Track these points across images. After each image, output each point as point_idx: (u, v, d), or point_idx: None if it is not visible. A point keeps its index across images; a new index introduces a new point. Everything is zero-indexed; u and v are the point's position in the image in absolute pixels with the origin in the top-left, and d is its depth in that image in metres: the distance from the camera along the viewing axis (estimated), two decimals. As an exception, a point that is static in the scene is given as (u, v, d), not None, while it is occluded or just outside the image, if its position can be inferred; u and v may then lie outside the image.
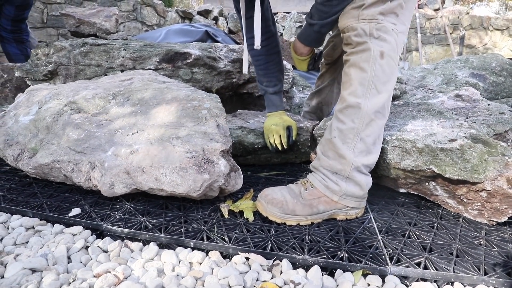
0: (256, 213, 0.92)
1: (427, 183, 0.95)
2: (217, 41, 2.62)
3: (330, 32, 1.22)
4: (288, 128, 1.23)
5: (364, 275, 0.71)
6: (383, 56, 0.85)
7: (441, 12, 5.04)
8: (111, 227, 0.85)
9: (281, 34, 5.25)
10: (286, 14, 5.23)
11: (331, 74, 1.42)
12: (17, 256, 0.76)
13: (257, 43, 1.01)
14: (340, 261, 0.73)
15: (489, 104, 1.16)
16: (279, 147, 1.22)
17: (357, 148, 0.86)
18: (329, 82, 1.42)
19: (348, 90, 0.88)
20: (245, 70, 1.14)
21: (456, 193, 0.90)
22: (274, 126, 1.23)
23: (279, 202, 0.86)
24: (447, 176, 0.85)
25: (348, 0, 0.90)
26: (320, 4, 0.95)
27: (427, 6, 5.30)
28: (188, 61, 1.57)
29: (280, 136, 1.22)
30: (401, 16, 0.90)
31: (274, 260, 0.75)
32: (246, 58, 1.12)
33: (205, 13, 5.29)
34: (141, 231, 0.83)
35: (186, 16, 5.15)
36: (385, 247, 0.78)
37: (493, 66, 1.62)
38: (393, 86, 0.90)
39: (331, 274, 0.73)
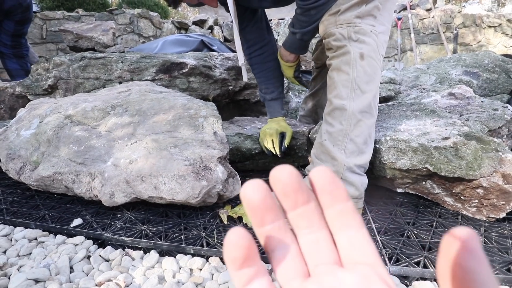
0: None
1: (424, 182, 0.96)
2: (213, 50, 2.65)
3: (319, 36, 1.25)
4: (282, 134, 1.24)
5: (363, 275, 0.72)
6: (363, 57, 0.88)
7: (433, 12, 5.09)
8: (112, 236, 0.86)
9: (276, 40, 5.30)
10: (280, 21, 5.29)
11: (322, 77, 1.45)
12: (20, 267, 0.77)
13: (241, 61, 1.07)
14: (339, 262, 0.74)
15: (482, 101, 1.17)
16: (272, 151, 1.23)
17: (347, 149, 0.88)
18: (322, 84, 1.44)
19: (333, 93, 0.90)
20: (245, 78, 1.17)
21: (453, 191, 0.90)
22: (268, 130, 1.25)
23: None
24: (442, 174, 0.86)
25: (326, 9, 0.94)
26: (299, 15, 0.99)
27: (419, 7, 5.35)
28: (184, 70, 1.59)
29: (273, 140, 1.23)
30: (379, 17, 0.93)
31: (273, 263, 0.76)
32: (244, 67, 1.15)
33: (200, 23, 5.36)
34: (142, 239, 0.84)
35: (182, 27, 5.21)
36: (384, 247, 0.78)
37: (486, 63, 1.64)
38: (377, 85, 0.92)
39: (331, 275, 0.73)
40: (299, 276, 0.20)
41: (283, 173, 0.20)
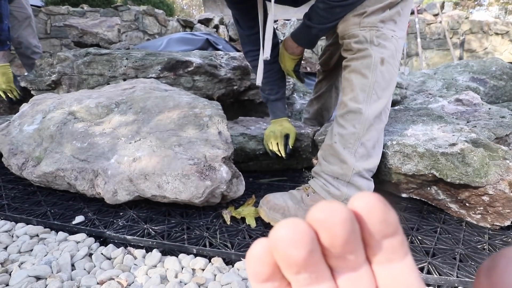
0: (258, 219, 0.92)
1: (429, 188, 0.95)
2: (218, 49, 2.64)
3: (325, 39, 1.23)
4: (287, 136, 1.24)
5: (367, 281, 0.71)
6: (384, 62, 0.87)
7: (441, 17, 5.07)
8: (115, 234, 0.85)
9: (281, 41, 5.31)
10: (286, 22, 5.28)
11: (328, 80, 1.44)
12: (21, 264, 0.76)
13: (267, 54, 1.01)
14: (343, 267, 0.73)
15: (489, 108, 1.16)
16: (278, 154, 1.22)
17: (358, 153, 0.87)
18: (327, 88, 1.43)
19: (349, 95, 0.89)
20: (258, 82, 1.10)
21: (458, 198, 0.89)
22: (272, 133, 1.24)
23: (281, 208, 0.87)
24: (448, 180, 0.85)
25: (351, 9, 0.92)
26: (322, 10, 0.95)
27: (427, 11, 5.34)
28: (189, 69, 1.59)
29: (277, 143, 1.22)
30: (399, 22, 0.92)
31: (276, 266, 0.75)
32: (261, 69, 1.09)
33: (205, 22, 5.35)
34: (144, 238, 0.83)
35: (187, 25, 5.21)
36: (388, 252, 0.77)
37: (493, 70, 1.63)
38: (392, 92, 0.92)
39: (334, 280, 0.73)
40: None
41: (334, 218, 0.15)
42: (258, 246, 0.16)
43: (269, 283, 0.16)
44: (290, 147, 1.22)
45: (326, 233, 0.15)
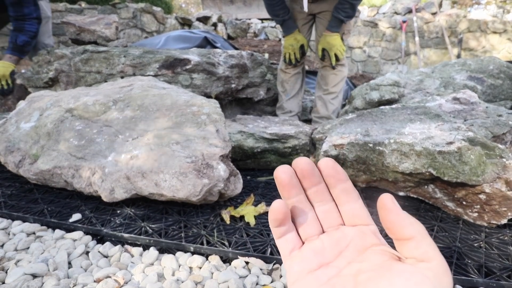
0: (257, 217, 0.92)
1: (426, 186, 0.95)
2: (216, 47, 2.63)
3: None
4: (301, 46, 1.71)
5: (364, 278, 0.71)
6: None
7: (439, 15, 5.07)
8: (112, 232, 0.85)
9: (280, 40, 5.30)
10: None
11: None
12: (18, 261, 0.76)
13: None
14: (340, 265, 0.73)
15: (487, 107, 1.17)
16: (293, 62, 1.73)
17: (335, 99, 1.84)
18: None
19: (336, 86, 1.83)
20: (305, 8, 1.61)
21: (455, 196, 0.90)
22: (291, 46, 1.70)
23: None
24: (445, 178, 0.85)
25: None
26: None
27: (425, 10, 5.34)
28: (187, 67, 1.58)
29: (295, 53, 1.71)
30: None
31: (273, 264, 0.75)
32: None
33: (204, 20, 5.33)
34: (141, 236, 0.83)
35: (185, 23, 5.19)
36: (385, 250, 0.78)
37: (491, 69, 1.63)
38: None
39: (331, 278, 0.73)
40: (316, 233, 0.28)
41: (301, 162, 0.28)
42: (275, 202, 0.27)
43: (282, 226, 0.28)
44: (305, 52, 1.73)
45: (298, 169, 0.28)
